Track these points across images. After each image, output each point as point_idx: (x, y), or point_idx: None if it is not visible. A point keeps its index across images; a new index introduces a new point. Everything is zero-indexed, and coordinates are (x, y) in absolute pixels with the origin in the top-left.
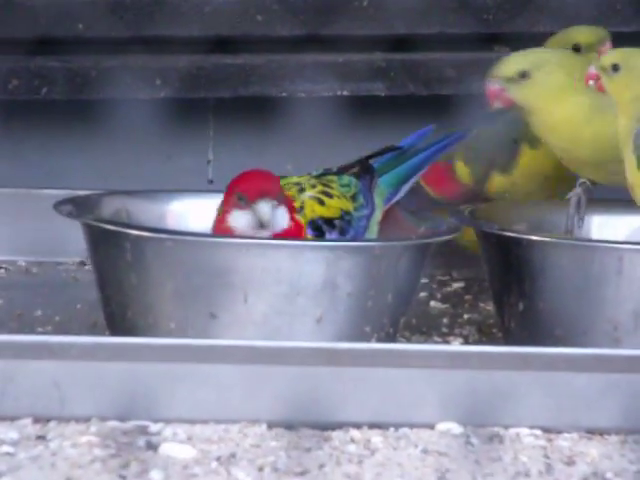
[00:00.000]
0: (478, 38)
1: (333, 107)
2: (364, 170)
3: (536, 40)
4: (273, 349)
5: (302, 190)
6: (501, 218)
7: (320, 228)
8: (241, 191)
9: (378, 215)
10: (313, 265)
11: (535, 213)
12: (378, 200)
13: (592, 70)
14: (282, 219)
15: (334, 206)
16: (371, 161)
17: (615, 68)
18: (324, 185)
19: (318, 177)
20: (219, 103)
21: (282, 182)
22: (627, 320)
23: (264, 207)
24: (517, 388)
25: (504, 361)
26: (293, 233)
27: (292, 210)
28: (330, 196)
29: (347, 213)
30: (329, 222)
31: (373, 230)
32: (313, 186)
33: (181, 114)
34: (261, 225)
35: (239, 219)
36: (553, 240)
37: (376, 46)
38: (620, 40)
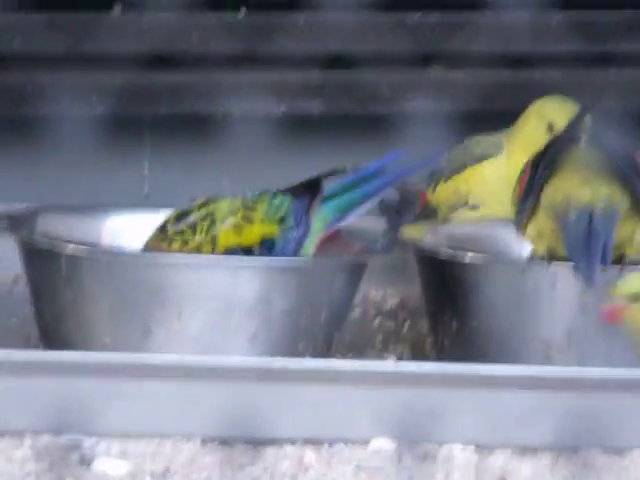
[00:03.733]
0: (413, 57)
1: (269, 125)
2: (307, 189)
3: (471, 59)
4: (207, 365)
5: (213, 222)
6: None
7: None
8: None
9: (315, 239)
10: (247, 282)
11: (468, 233)
12: (318, 224)
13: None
14: None
15: (254, 233)
16: (326, 181)
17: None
18: (247, 209)
19: (247, 200)
20: (155, 120)
21: (203, 209)
22: (560, 338)
23: None
24: (450, 406)
25: (438, 379)
26: None
27: None
28: (251, 221)
29: (269, 238)
30: (247, 250)
31: (308, 253)
32: (233, 213)
33: (117, 130)
34: None
35: None
36: (486, 260)
37: (312, 64)
38: (556, 60)
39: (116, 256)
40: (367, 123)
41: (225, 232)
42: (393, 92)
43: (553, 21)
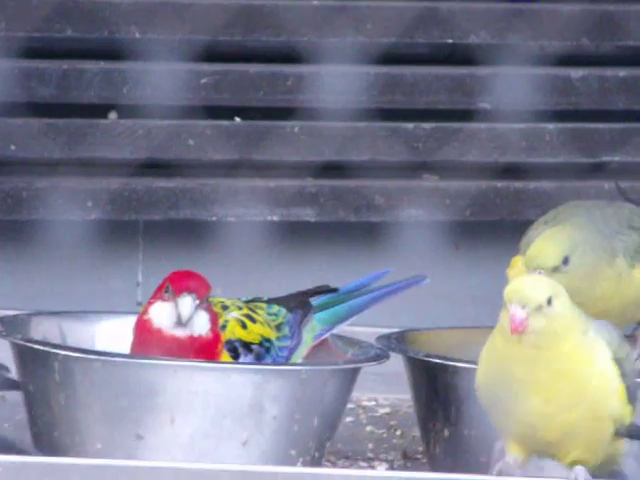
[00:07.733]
0: (408, 166)
1: (263, 232)
2: (299, 305)
3: (465, 168)
4: (199, 471)
5: (226, 308)
6: (428, 344)
7: (236, 350)
8: (170, 283)
9: (303, 350)
10: (240, 388)
11: (461, 340)
12: (307, 336)
13: (516, 313)
14: (202, 323)
15: (255, 331)
16: (311, 298)
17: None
18: (250, 309)
19: (246, 302)
20: (149, 225)
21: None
22: None
23: (186, 301)
24: None
25: None
26: (209, 344)
27: (215, 321)
28: (253, 320)
29: (267, 340)
30: (246, 345)
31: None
32: (239, 308)
33: (111, 236)
34: (180, 320)
35: (160, 311)
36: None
37: (307, 172)
38: (549, 170)
39: (108, 359)
40: (361, 231)
41: (233, 322)
42: (387, 200)
43: (547, 131)
